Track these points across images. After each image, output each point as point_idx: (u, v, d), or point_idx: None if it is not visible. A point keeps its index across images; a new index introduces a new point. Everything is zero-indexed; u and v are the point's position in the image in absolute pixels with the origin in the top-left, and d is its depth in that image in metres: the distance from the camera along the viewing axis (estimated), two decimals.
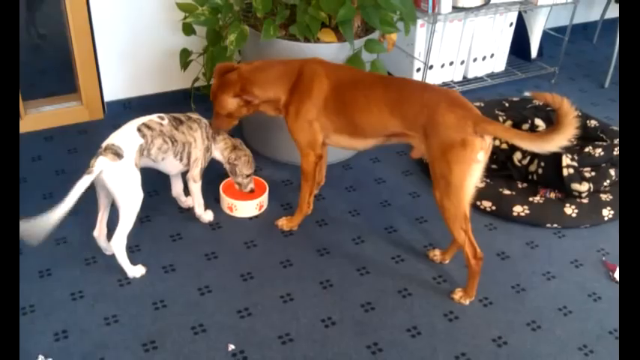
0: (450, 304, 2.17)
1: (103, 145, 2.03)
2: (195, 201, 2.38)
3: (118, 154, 1.99)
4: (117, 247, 2.08)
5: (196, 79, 2.94)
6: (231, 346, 1.94)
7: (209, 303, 2.10)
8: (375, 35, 2.64)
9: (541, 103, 3.18)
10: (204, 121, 2.32)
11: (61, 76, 3.25)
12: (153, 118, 2.17)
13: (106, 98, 3.09)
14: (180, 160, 2.25)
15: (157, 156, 2.16)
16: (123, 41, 2.98)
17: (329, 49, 2.51)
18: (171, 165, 2.25)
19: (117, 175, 1.99)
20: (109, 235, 2.13)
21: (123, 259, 2.12)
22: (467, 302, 2.17)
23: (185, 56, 2.83)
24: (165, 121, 2.18)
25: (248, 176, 2.41)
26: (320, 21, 2.42)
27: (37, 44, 3.78)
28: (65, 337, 1.93)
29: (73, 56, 2.92)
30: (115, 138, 2.04)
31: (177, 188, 2.47)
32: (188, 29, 2.72)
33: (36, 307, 2.02)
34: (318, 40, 2.51)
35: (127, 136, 2.06)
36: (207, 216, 2.44)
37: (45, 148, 2.84)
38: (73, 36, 2.85)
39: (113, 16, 2.89)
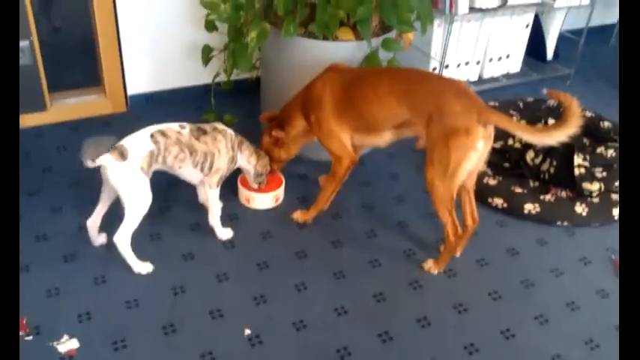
0: (461, 297, 2.22)
1: (117, 144, 2.05)
2: (211, 208, 2.34)
3: (123, 155, 2.00)
4: (120, 243, 2.11)
5: (217, 75, 3.01)
6: (248, 331, 2.01)
7: (226, 290, 2.17)
8: (393, 34, 2.69)
9: (555, 104, 3.22)
10: (230, 132, 2.30)
11: (86, 70, 3.34)
12: (172, 126, 2.15)
13: (129, 92, 3.17)
14: (202, 169, 2.23)
15: (173, 164, 2.15)
16: (147, 36, 3.06)
17: (347, 48, 2.57)
18: (190, 174, 2.25)
19: (118, 175, 2.01)
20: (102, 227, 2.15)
21: (129, 256, 2.15)
22: (435, 272, 2.30)
23: (207, 52, 2.90)
24: (186, 131, 2.16)
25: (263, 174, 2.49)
26: (339, 19, 2.48)
27: (57, 37, 3.85)
28: (88, 318, 2.01)
29: (98, 49, 3.01)
30: (126, 139, 2.06)
31: (203, 194, 2.47)
32: (210, 26, 2.79)
33: (60, 290, 2.10)
34: (336, 39, 2.57)
35: (138, 141, 2.07)
36: (223, 233, 2.38)
37: (70, 138, 2.93)
38: (99, 30, 2.93)
39: (138, 10, 2.97)
